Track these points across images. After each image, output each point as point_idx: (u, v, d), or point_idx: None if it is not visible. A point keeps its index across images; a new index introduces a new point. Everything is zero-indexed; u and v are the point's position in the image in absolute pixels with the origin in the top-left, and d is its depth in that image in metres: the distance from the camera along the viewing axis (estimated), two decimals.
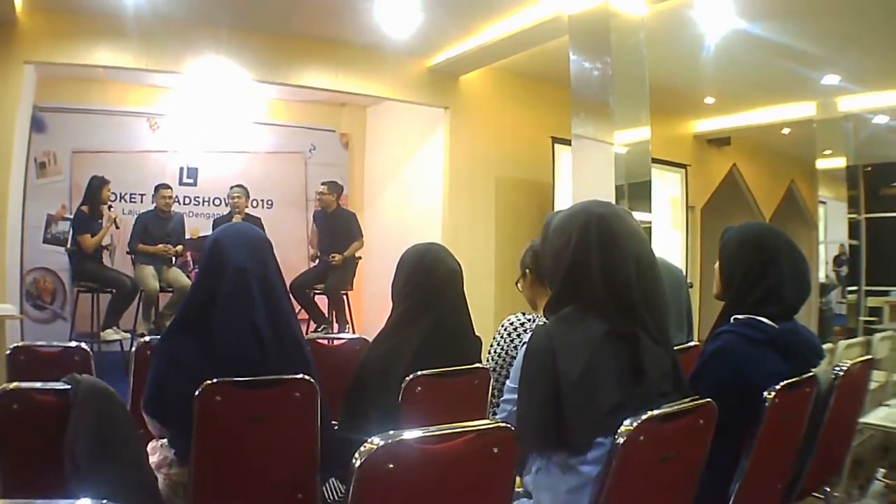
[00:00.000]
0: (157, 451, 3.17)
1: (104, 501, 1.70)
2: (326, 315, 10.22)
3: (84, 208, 9.24)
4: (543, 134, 10.44)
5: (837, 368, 3.33)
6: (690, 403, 2.48)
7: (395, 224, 11.63)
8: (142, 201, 10.88)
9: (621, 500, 2.33)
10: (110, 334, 8.93)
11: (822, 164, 13.04)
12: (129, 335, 9.02)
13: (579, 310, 2.52)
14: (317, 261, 10.61)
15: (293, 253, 11.49)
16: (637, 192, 7.46)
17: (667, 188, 12.80)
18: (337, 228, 10.34)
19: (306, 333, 8.76)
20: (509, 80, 10.98)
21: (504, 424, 2.18)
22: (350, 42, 9.67)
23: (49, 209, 10.44)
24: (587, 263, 2.53)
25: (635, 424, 2.26)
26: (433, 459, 2.07)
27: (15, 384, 2.85)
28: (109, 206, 9.42)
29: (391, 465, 1.96)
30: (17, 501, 1.77)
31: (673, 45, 8.90)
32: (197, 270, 3.14)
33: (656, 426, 2.33)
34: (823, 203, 14.18)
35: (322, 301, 10.29)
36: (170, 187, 10.01)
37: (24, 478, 2.43)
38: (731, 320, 3.06)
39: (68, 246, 9.67)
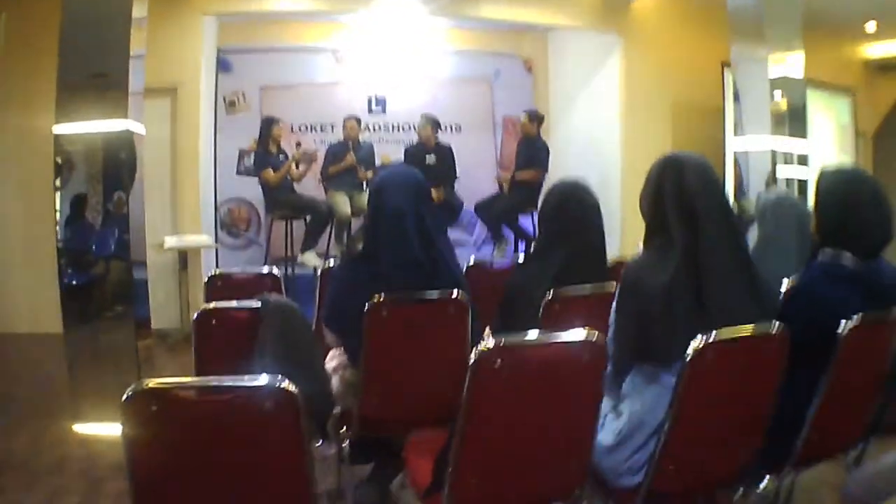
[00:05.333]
0: (334, 358, 3.80)
1: (279, 376, 2.19)
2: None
3: (259, 148, 9.87)
4: (715, 58, 10.32)
5: None
6: (760, 328, 2.81)
7: (577, 149, 11.70)
8: (332, 131, 11.25)
9: (695, 409, 2.73)
10: (310, 258, 9.49)
11: None
12: (323, 260, 9.35)
13: (661, 244, 2.97)
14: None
15: (481, 175, 11.78)
16: (793, 116, 7.58)
17: (834, 114, 12.68)
18: (529, 157, 10.50)
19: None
20: (680, 3, 10.89)
21: (593, 338, 2.62)
22: None
23: (241, 144, 10.97)
24: (662, 198, 2.99)
25: (704, 342, 2.63)
26: (533, 360, 2.58)
27: (214, 304, 3.44)
28: (298, 144, 10.14)
29: (498, 362, 2.47)
30: (209, 378, 2.25)
31: None
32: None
33: (725, 345, 2.68)
34: None
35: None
36: (356, 118, 10.42)
37: None
38: (819, 258, 3.33)
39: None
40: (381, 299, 3.41)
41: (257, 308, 3.36)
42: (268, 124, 9.82)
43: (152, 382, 2.12)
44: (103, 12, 5.65)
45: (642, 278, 2.92)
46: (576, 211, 3.99)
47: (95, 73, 5.56)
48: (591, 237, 4.02)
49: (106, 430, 5.09)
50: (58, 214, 5.65)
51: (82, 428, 5.28)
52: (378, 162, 10.64)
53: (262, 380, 2.21)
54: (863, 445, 3.57)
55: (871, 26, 11.95)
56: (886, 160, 13.80)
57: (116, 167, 5.62)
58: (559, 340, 2.63)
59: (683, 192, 2.92)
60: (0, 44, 8.18)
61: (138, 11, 5.73)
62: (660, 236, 3.00)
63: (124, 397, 2.08)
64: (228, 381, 2.21)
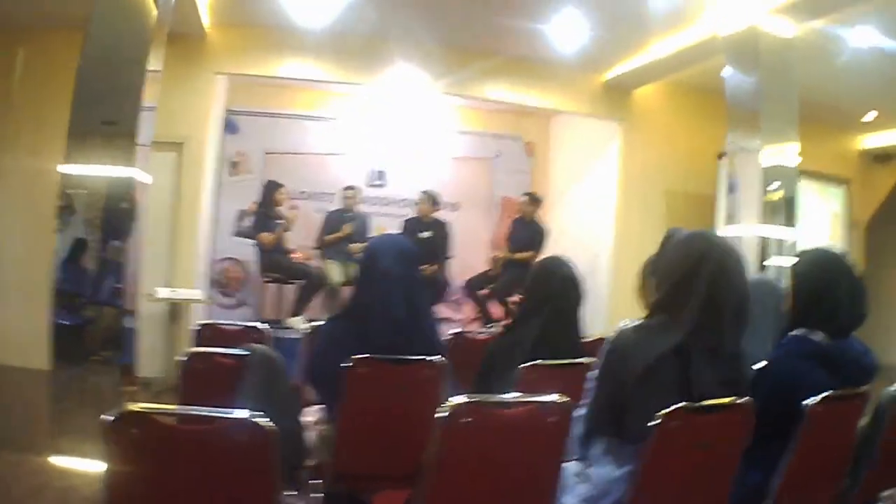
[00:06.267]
0: (313, 414, 3.89)
1: (258, 413, 2.30)
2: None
3: (261, 210, 9.98)
4: (711, 148, 10.46)
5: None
6: (725, 401, 2.84)
7: (572, 233, 11.89)
8: (331, 200, 11.43)
9: (658, 477, 2.79)
10: (298, 323, 9.44)
11: None
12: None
13: (666, 320, 2.94)
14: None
15: (476, 254, 11.98)
16: (783, 207, 7.63)
17: (828, 203, 12.79)
18: (526, 238, 10.61)
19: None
20: (680, 93, 11.15)
21: (562, 400, 2.72)
22: (529, 57, 10.05)
23: (240, 205, 11.15)
24: (693, 284, 2.89)
25: (671, 411, 2.68)
26: (501, 420, 2.68)
27: (202, 348, 3.56)
28: (294, 207, 10.27)
29: (468, 420, 2.58)
30: (190, 407, 2.36)
31: (830, 61, 8.90)
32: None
33: (691, 416, 2.74)
34: None
35: None
36: (354, 188, 10.63)
37: None
38: (789, 335, 3.40)
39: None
40: (363, 357, 3.52)
41: (243, 355, 3.47)
42: (272, 188, 9.96)
43: (136, 406, 2.23)
44: (120, 60, 5.76)
45: (632, 347, 2.89)
46: (555, 282, 4.21)
47: (107, 120, 5.64)
48: (567, 307, 4.23)
49: (84, 464, 5.15)
50: (55, 255, 5.72)
51: (61, 461, 5.34)
52: (374, 233, 10.62)
53: (240, 414, 2.32)
54: None
55: (869, 115, 12.07)
56: (879, 249, 13.89)
57: (117, 215, 5.68)
58: (525, 401, 2.73)
59: (719, 282, 2.89)
60: (15, 81, 8.34)
61: (153, 64, 5.84)
62: (668, 311, 2.96)
63: (109, 418, 2.19)
64: (207, 411, 2.32)
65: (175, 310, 8.50)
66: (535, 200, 10.84)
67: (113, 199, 5.67)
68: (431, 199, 10.58)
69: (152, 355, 7.95)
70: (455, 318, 11.87)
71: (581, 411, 3.03)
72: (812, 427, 3.09)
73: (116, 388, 5.66)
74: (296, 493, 3.67)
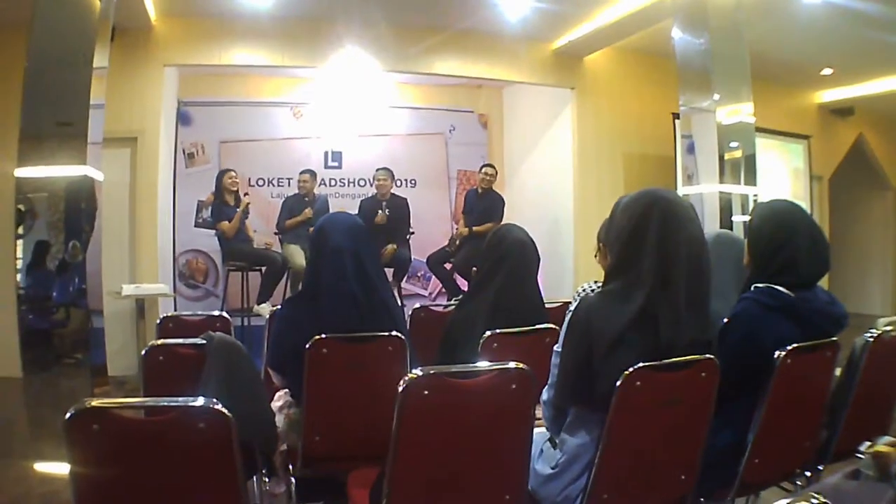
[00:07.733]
0: (280, 399, 3.90)
1: (213, 399, 2.32)
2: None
3: (217, 199, 9.92)
4: (667, 109, 10.53)
5: (868, 335, 3.59)
6: (690, 357, 2.81)
7: (531, 200, 12.03)
8: (289, 185, 11.52)
9: (625, 441, 2.81)
10: (265, 309, 9.45)
11: None
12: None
13: (624, 283, 2.85)
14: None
15: (435, 229, 11.99)
16: (742, 164, 7.75)
17: (789, 159, 12.92)
18: (484, 209, 10.59)
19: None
20: (632, 58, 11.23)
21: (523, 367, 2.68)
22: (477, 30, 10.12)
23: (199, 195, 11.16)
24: (644, 239, 2.82)
25: (633, 370, 2.68)
26: (460, 389, 2.67)
27: (161, 341, 3.57)
28: (246, 193, 10.28)
29: (426, 392, 2.58)
30: (148, 399, 2.37)
31: (783, 19, 9.08)
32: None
33: (653, 374, 2.72)
34: None
35: None
36: (309, 172, 10.55)
37: None
38: (752, 288, 3.37)
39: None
40: (322, 338, 3.54)
41: (203, 344, 3.48)
42: (220, 175, 9.94)
43: (94, 402, 2.24)
44: (66, 60, 5.72)
45: (596, 315, 2.82)
46: (506, 248, 4.26)
47: (58, 121, 5.61)
48: (520, 272, 4.26)
49: (64, 468, 5.15)
50: (19, 261, 5.70)
51: (43, 466, 5.34)
52: None
53: (198, 401, 2.34)
54: (814, 473, 3.64)
55: (826, 71, 12.18)
56: (841, 203, 14.05)
57: (77, 215, 5.67)
58: (483, 369, 2.73)
59: (668, 232, 2.83)
60: None
61: (99, 61, 5.79)
62: (627, 273, 2.87)
63: (67, 416, 2.20)
64: (165, 401, 2.34)
65: (142, 306, 8.47)
66: (493, 171, 10.83)
67: (72, 199, 5.65)
68: (388, 177, 10.56)
69: (124, 353, 7.97)
70: (422, 294, 11.98)
71: (544, 395, 3.08)
72: (783, 380, 3.11)
73: (89, 391, 5.64)
74: (270, 479, 3.75)
